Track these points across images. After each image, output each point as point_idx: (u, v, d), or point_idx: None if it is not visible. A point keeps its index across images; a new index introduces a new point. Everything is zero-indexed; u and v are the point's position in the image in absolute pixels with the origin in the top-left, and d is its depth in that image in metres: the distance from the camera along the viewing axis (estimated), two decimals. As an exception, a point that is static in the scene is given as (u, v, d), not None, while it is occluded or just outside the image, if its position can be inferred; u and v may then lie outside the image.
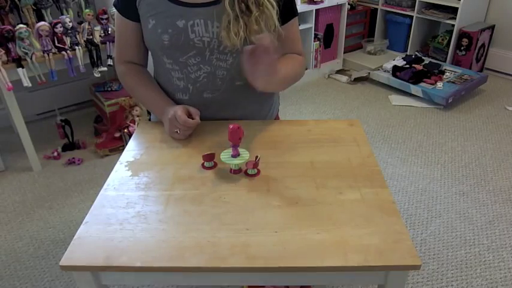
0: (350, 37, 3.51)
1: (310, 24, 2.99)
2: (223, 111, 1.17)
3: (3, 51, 1.87)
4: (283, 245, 0.76)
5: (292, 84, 1.17)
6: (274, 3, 1.04)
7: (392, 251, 0.75)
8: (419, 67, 2.97)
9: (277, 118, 1.35)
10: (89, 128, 2.51)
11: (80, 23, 2.11)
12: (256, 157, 0.95)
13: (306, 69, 3.07)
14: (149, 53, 1.20)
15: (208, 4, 1.04)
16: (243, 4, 1.01)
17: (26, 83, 1.93)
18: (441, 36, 3.23)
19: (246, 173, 0.96)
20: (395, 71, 2.95)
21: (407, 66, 2.99)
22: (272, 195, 0.89)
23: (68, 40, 2.01)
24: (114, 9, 2.07)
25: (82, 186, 2.04)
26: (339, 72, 3.32)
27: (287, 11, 1.10)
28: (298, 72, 1.17)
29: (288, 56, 1.16)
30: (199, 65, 1.10)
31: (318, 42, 3.11)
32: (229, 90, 1.14)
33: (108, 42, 2.09)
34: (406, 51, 3.42)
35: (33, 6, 2.11)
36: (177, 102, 1.16)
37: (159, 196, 0.89)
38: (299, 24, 1.35)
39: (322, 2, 2.95)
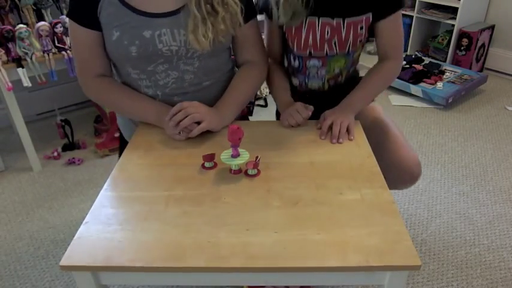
0: (350, 37, 3.51)
1: (310, 24, 2.99)
2: None
3: (3, 51, 1.87)
4: (283, 245, 0.76)
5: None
6: (238, 1, 1.05)
7: (392, 251, 0.75)
8: (419, 67, 2.97)
9: (243, 113, 1.35)
10: (89, 128, 2.51)
11: (80, 23, 2.11)
12: (256, 157, 0.95)
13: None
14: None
15: (172, 13, 1.04)
16: (208, 5, 1.01)
17: (26, 83, 1.93)
18: (441, 36, 3.23)
19: (246, 173, 0.96)
20: (395, 71, 2.95)
21: (407, 66, 2.99)
22: (272, 196, 0.89)
23: (68, 40, 2.01)
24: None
25: (82, 186, 2.04)
26: (339, 72, 3.31)
27: (246, 11, 1.09)
28: (253, 91, 1.20)
29: (244, 77, 1.17)
30: (167, 72, 1.10)
31: (318, 42, 3.11)
32: (198, 91, 1.15)
33: (108, 42, 2.08)
34: (406, 51, 3.42)
35: (33, 6, 2.11)
36: None
37: (159, 196, 0.89)
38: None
39: (322, 2, 2.94)
